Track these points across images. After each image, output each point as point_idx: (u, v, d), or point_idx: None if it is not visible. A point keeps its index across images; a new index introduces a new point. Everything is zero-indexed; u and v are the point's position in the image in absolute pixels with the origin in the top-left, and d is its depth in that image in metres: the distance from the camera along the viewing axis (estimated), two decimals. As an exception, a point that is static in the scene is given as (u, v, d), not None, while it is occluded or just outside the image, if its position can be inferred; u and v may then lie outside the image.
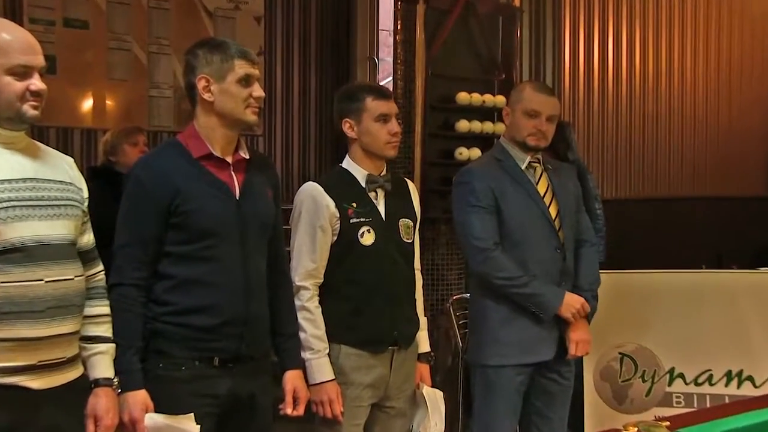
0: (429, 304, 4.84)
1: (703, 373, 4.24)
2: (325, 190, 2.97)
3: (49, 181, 2.28)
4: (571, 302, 3.26)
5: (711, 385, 4.23)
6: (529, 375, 3.32)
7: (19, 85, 2.18)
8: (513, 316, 3.26)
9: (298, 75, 6.31)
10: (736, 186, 7.94)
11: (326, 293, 2.98)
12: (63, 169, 2.35)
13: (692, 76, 7.59)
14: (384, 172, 3.09)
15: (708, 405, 4.13)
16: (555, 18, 6.54)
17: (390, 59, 5.44)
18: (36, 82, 2.20)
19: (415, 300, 3.16)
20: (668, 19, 7.42)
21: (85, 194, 2.40)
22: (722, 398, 4.13)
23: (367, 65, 6.39)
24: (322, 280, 2.97)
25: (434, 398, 3.16)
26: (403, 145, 4.99)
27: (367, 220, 2.99)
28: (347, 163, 3.08)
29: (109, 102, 5.53)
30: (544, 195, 3.33)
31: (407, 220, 3.10)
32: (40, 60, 2.23)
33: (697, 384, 4.25)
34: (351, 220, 2.97)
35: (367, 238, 2.98)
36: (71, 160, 2.42)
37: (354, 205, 2.98)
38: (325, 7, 6.38)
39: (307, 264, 2.95)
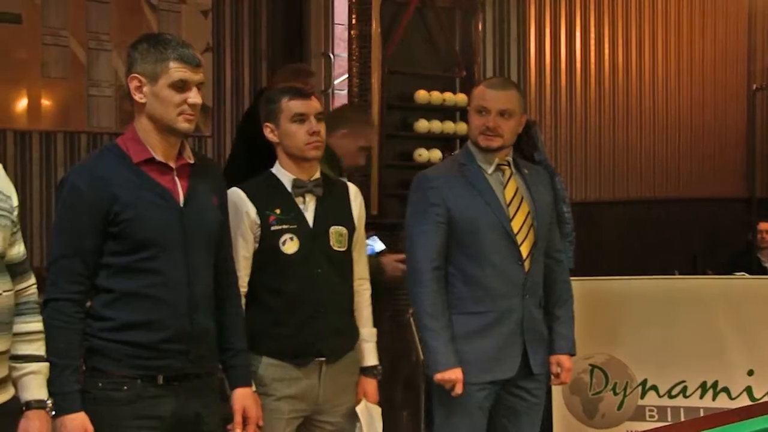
0: (388, 315, 4.83)
1: (677, 384, 4.28)
2: (247, 195, 3.00)
3: (-26, 189, 2.26)
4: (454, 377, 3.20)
5: (685, 397, 4.27)
6: (494, 392, 3.31)
7: None
8: (474, 334, 3.26)
9: (248, 72, 6.27)
10: (713, 188, 8.03)
11: (249, 302, 3.00)
12: (-10, 176, 2.32)
13: (664, 74, 7.66)
14: (316, 176, 3.08)
15: (682, 419, 4.18)
16: (520, 11, 6.57)
17: (345, 55, 5.44)
18: None
19: (351, 311, 3.15)
20: (638, 13, 7.49)
21: (15, 202, 2.37)
22: (697, 411, 4.16)
23: (321, 61, 6.38)
24: (246, 289, 3.00)
25: (368, 414, 3.16)
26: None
27: (291, 227, 2.99)
28: (276, 168, 3.10)
29: (45, 102, 5.46)
30: (510, 202, 3.30)
31: (340, 227, 3.08)
32: None
33: (671, 396, 4.29)
34: (272, 228, 2.98)
35: (290, 246, 2.99)
36: (-1, 165, 2.39)
37: (277, 211, 3.00)
38: (276, 0, 6.37)
39: None
